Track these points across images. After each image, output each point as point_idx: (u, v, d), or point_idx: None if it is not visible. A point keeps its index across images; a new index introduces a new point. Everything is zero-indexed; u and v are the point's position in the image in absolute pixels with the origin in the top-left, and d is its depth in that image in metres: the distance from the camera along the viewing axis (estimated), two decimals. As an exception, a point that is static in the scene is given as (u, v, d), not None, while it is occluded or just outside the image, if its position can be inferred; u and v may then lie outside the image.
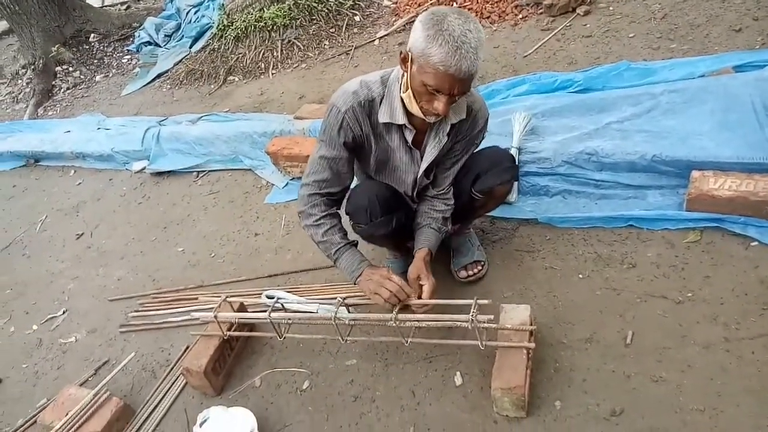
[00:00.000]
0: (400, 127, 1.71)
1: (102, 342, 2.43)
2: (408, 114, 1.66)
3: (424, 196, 1.93)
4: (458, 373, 1.80)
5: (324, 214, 1.78)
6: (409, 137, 1.73)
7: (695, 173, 2.04)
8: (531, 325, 1.69)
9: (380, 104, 1.69)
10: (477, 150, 1.90)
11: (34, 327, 2.67)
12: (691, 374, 1.60)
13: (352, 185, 1.91)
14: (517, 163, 1.92)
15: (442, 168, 1.87)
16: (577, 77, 2.74)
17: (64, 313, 2.69)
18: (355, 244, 1.83)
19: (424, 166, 1.79)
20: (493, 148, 1.95)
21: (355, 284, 1.79)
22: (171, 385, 2.08)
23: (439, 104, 1.51)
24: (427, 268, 1.78)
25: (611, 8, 3.38)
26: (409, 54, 1.48)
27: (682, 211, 2.05)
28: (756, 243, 1.89)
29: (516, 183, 2.23)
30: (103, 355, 2.35)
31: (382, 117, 1.69)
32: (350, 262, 1.77)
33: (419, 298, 1.74)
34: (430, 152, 1.76)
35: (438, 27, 1.40)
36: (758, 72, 2.35)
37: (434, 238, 1.86)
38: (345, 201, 1.90)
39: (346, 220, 1.87)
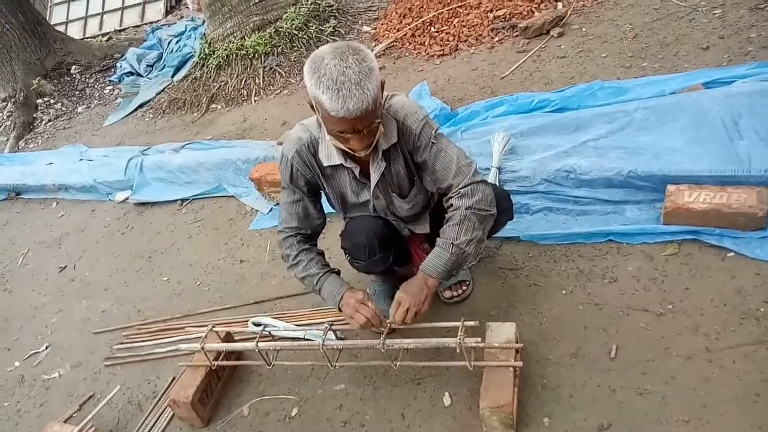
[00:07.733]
0: (345, 166, 1.72)
1: (86, 376, 2.39)
2: (345, 151, 1.65)
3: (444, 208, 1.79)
4: (447, 393, 1.80)
5: (298, 251, 1.81)
6: (357, 172, 1.73)
7: (670, 187, 2.09)
8: (517, 342, 1.71)
9: (319, 145, 1.71)
10: None
11: (16, 363, 2.62)
12: (675, 386, 1.62)
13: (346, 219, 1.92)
14: (512, 203, 1.93)
15: (426, 179, 1.77)
16: (553, 97, 2.80)
17: (47, 348, 2.65)
18: (334, 271, 1.83)
19: (371, 191, 1.78)
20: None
21: (339, 310, 1.79)
22: (158, 418, 2.05)
23: (354, 143, 1.53)
24: (410, 291, 1.69)
25: (584, 29, 3.48)
26: (312, 101, 1.51)
27: (659, 224, 2.09)
28: (732, 254, 1.93)
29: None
30: (88, 389, 2.31)
31: (324, 159, 1.71)
32: (331, 290, 1.77)
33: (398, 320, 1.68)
34: (374, 178, 1.74)
35: (317, 74, 1.41)
36: (726, 88, 2.43)
37: (437, 259, 1.68)
38: (341, 236, 1.91)
39: (333, 253, 1.87)
